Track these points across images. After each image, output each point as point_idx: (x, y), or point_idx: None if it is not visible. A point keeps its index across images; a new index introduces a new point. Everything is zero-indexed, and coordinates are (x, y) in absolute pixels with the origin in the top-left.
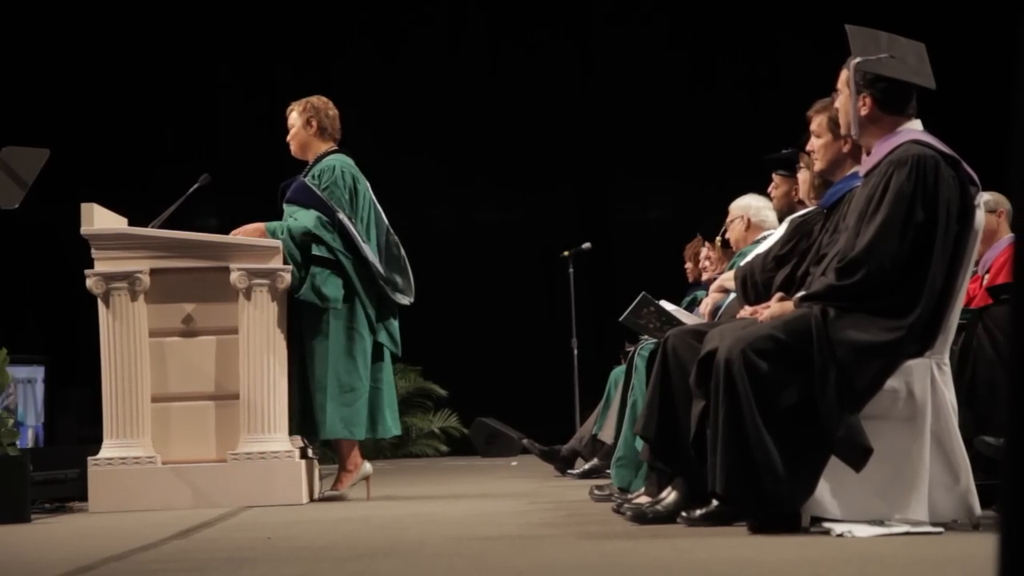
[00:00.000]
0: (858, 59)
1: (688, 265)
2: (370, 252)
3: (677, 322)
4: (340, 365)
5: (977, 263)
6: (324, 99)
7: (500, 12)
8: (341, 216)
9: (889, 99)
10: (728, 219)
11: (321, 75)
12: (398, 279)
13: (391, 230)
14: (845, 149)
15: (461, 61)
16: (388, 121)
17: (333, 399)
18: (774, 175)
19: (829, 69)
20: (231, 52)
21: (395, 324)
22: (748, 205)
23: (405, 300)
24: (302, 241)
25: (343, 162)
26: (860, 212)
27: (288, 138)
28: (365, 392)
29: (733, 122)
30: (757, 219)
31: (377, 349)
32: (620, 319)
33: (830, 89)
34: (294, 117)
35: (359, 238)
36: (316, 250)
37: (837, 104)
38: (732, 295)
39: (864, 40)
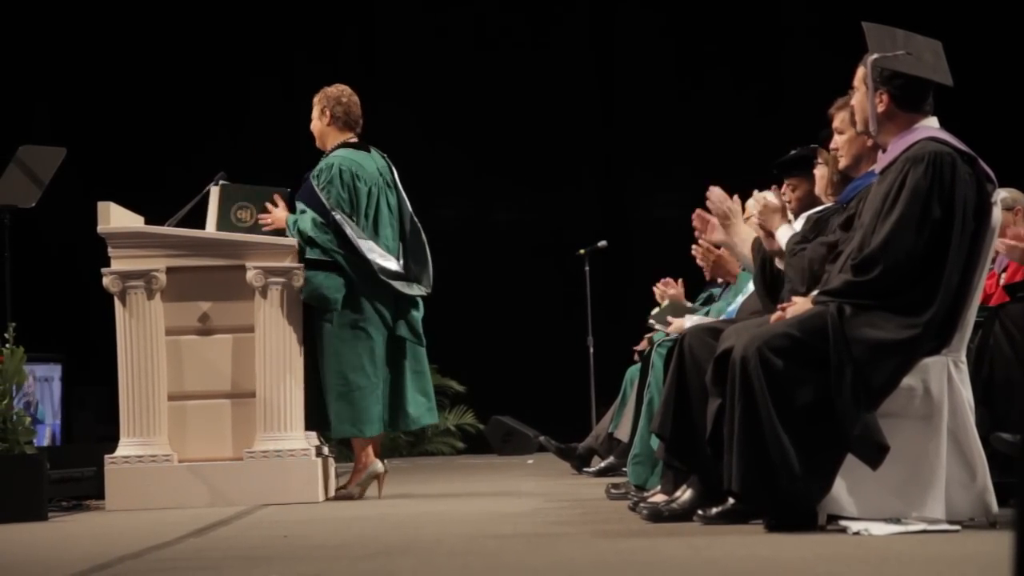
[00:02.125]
0: (875, 56)
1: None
2: (368, 249)
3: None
4: (344, 364)
5: (994, 260)
6: (340, 86)
7: (518, 9)
8: (337, 216)
9: (906, 96)
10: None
11: (337, 72)
12: (413, 266)
13: (415, 218)
14: (869, 144)
15: (478, 58)
16: (404, 117)
17: (339, 398)
18: (786, 182)
19: (845, 69)
20: (248, 49)
21: (415, 315)
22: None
23: (418, 290)
24: (306, 243)
25: (343, 159)
26: (876, 209)
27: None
28: (375, 389)
29: (750, 121)
30: None
31: (395, 343)
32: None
33: (846, 89)
34: (314, 111)
35: (354, 236)
36: (310, 253)
37: (853, 101)
38: (750, 291)
39: (881, 37)
